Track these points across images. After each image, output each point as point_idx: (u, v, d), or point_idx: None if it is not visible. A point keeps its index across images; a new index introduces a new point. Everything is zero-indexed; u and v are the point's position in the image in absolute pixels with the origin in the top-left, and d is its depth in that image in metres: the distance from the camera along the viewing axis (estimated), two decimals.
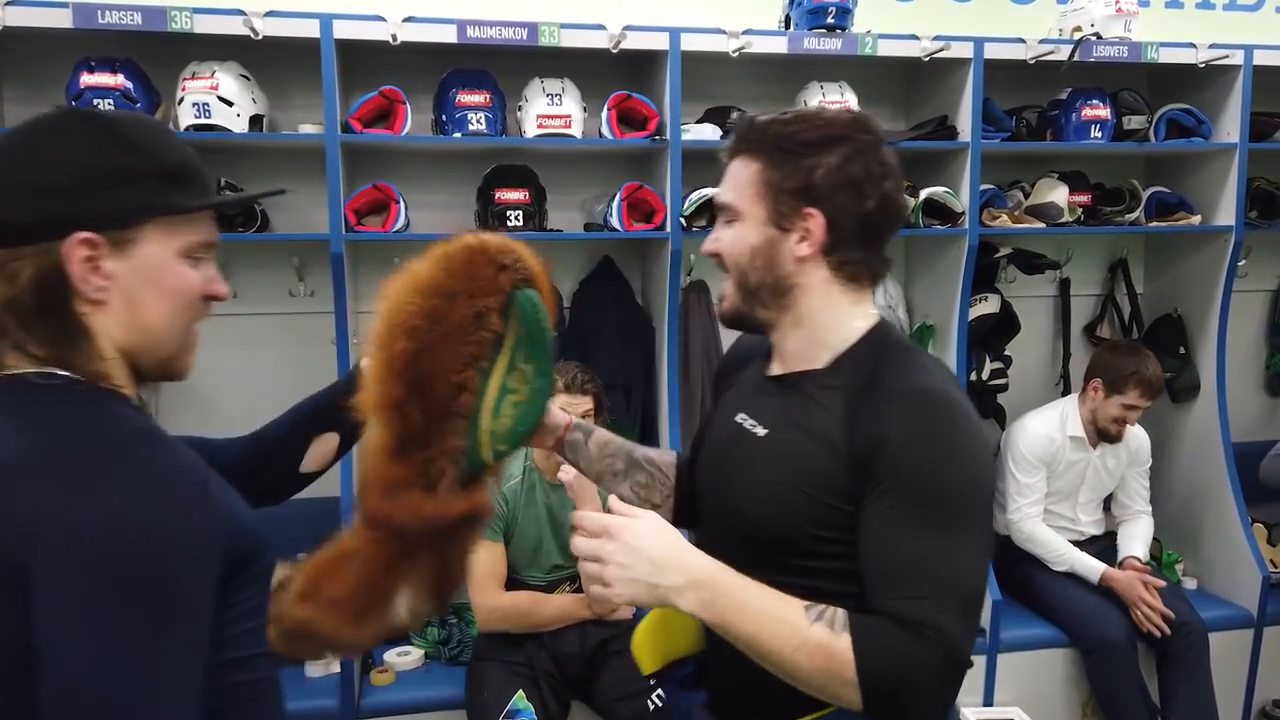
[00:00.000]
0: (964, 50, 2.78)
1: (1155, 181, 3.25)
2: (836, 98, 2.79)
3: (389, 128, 2.56)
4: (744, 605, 1.02)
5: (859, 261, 1.16)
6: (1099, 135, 2.96)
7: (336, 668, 2.45)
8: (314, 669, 2.51)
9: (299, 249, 2.78)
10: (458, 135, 2.59)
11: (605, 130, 2.67)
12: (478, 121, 2.58)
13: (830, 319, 1.17)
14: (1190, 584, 3.20)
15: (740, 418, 1.24)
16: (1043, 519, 2.91)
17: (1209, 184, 3.13)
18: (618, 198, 2.68)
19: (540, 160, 2.81)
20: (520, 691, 2.29)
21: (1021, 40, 2.85)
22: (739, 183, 1.17)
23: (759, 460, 1.18)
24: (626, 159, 2.97)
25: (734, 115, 2.83)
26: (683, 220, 2.67)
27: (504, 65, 2.68)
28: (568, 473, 2.29)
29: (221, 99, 2.42)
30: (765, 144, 1.15)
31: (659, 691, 2.29)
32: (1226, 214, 3.07)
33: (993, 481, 0.94)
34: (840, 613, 1.01)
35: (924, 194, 2.83)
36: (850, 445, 1.06)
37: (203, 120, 2.41)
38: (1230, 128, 3.03)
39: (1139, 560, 2.83)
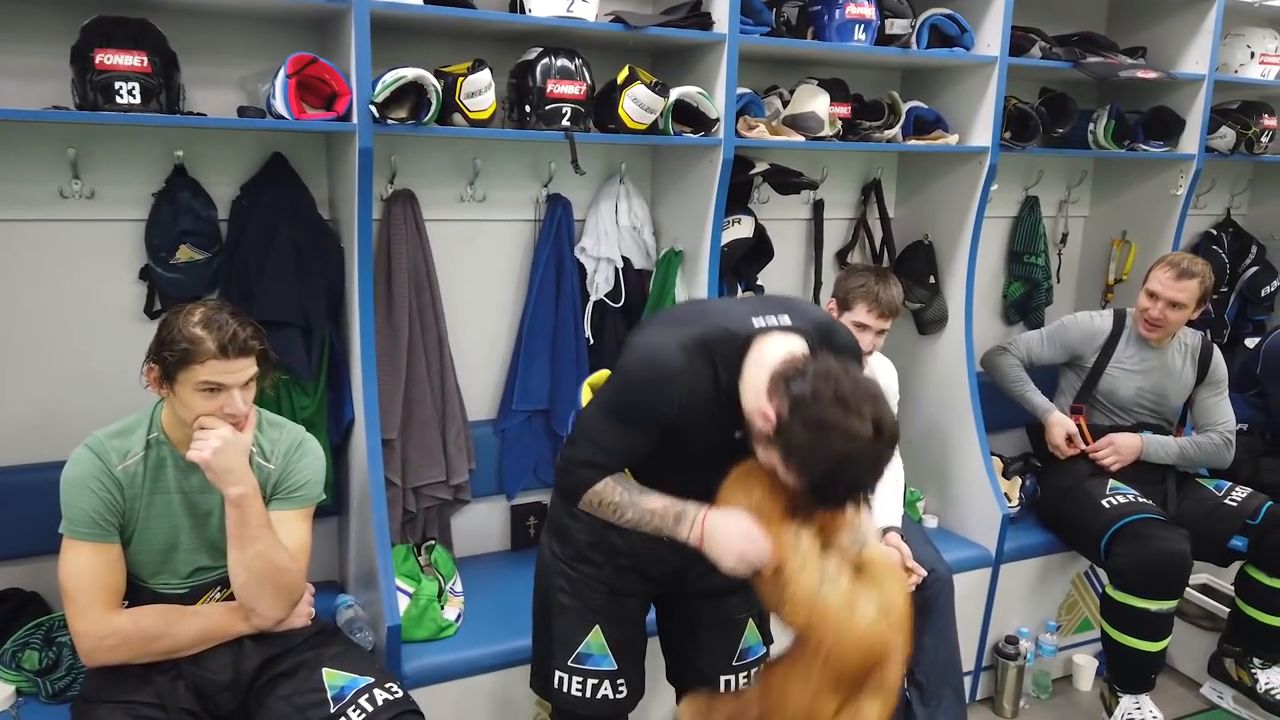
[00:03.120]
0: None
1: (912, 94, 3.00)
2: None
3: None
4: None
5: None
6: (863, 38, 2.62)
7: None
8: None
9: None
10: None
11: None
12: None
13: None
14: (931, 522, 3.09)
15: None
16: None
17: (965, 100, 2.91)
18: (282, 74, 2.00)
19: (169, 14, 2.04)
20: None
21: None
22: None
23: None
24: (298, 23, 2.27)
25: None
26: (373, 109, 2.04)
27: None
28: (202, 448, 1.68)
29: None
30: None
31: None
32: (982, 134, 2.86)
33: (641, 385, 1.59)
34: None
35: (674, 94, 2.37)
36: None
37: None
38: (991, 39, 2.80)
39: (898, 533, 2.62)
